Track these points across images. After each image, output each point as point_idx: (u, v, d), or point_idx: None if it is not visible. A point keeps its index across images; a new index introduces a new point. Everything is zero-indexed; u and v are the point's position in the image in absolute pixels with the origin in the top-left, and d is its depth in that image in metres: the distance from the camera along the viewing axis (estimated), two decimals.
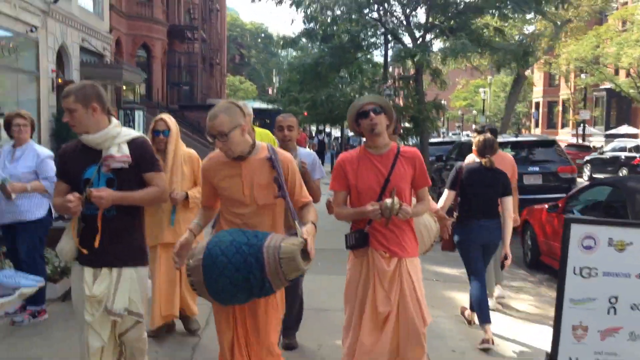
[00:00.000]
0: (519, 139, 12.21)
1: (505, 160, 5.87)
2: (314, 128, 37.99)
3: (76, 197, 2.97)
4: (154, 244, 4.51)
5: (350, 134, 29.92)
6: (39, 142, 18.30)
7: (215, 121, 3.06)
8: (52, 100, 19.57)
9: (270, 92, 56.44)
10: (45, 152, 4.92)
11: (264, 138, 5.30)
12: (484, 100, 46.75)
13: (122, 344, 3.28)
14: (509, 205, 5.08)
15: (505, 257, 5.08)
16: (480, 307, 4.97)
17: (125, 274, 3.14)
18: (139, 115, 19.26)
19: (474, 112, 54.67)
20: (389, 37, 15.18)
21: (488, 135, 5.38)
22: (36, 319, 5.03)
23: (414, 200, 3.67)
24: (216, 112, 3.09)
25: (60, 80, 20.39)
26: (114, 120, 3.19)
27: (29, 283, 3.06)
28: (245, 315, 3.23)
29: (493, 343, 4.84)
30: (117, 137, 3.12)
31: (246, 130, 3.13)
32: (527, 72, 27.27)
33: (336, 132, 38.22)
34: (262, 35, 73.80)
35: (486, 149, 5.20)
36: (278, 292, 3.22)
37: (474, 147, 5.34)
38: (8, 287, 2.92)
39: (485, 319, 4.94)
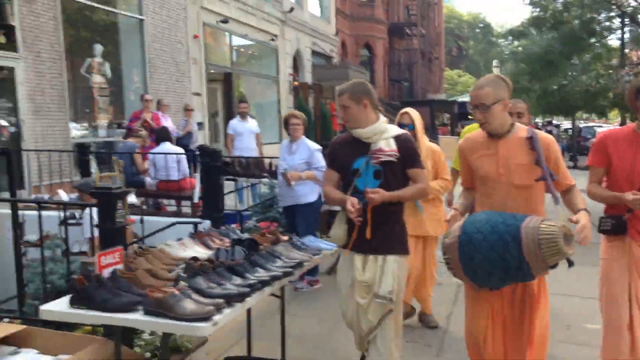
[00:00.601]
0: None
1: None
2: (538, 120, 36.10)
3: (356, 209, 3.13)
4: None
5: (582, 124, 27.95)
6: (281, 140, 20.55)
7: (480, 92, 3.04)
8: (290, 101, 21.69)
9: None
10: (315, 146, 5.81)
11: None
12: None
13: (380, 329, 3.31)
14: None
15: None
16: None
17: (390, 261, 3.25)
18: None
19: None
20: (626, 20, 14.15)
21: None
22: (313, 287, 5.98)
23: None
24: (482, 83, 3.08)
25: (296, 83, 22.49)
26: (382, 117, 3.36)
27: (328, 247, 3.74)
28: (504, 302, 3.15)
29: None
30: (385, 132, 3.27)
31: (508, 107, 3.11)
32: None
33: (566, 124, 35.89)
34: (480, 25, 72.07)
35: None
36: (540, 286, 3.13)
37: None
38: (314, 249, 3.67)
39: None
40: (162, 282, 2.77)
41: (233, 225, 6.84)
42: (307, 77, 23.61)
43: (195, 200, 7.71)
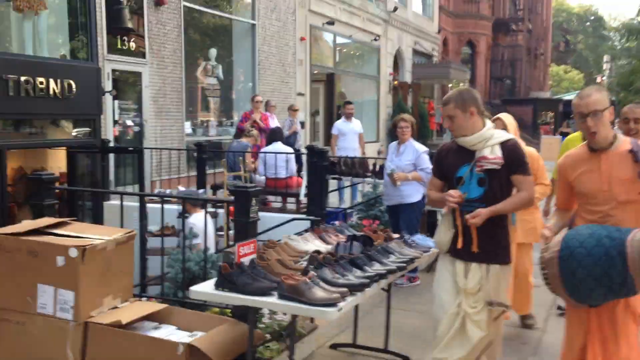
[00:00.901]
0: None
1: None
2: None
3: (458, 195, 3.17)
4: None
5: None
6: (377, 139, 20.84)
7: (590, 99, 3.02)
8: (389, 100, 21.93)
9: (599, 80, 52.31)
10: (422, 148, 6.06)
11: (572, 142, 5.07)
12: None
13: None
14: None
15: None
16: None
17: (493, 270, 3.24)
18: None
19: None
20: None
21: None
22: (411, 283, 6.24)
23: None
24: (589, 91, 3.09)
25: (395, 82, 22.68)
26: (488, 123, 3.35)
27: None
28: (602, 320, 3.08)
29: None
30: (491, 139, 3.24)
31: (613, 115, 3.10)
32: None
33: None
34: (591, 18, 68.57)
35: None
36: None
37: None
38: (424, 246, 3.93)
39: None
40: (291, 271, 3.15)
41: (337, 222, 7.25)
42: (407, 76, 23.70)
43: (302, 197, 8.16)
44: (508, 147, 3.24)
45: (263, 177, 8.52)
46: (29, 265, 3.33)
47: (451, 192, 3.20)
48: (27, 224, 3.62)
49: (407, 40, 23.26)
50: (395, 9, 21.16)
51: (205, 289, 3.17)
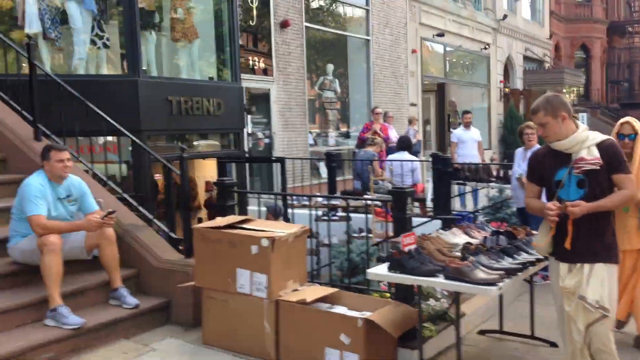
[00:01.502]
0: None
1: None
2: None
3: (556, 207, 3.16)
4: (620, 249, 3.89)
5: None
6: (490, 147, 20.81)
7: None
8: (500, 108, 21.83)
9: None
10: None
11: None
12: None
13: (589, 340, 3.26)
14: None
15: None
16: None
17: (597, 269, 3.20)
18: (581, 117, 19.79)
19: None
20: None
21: None
22: (545, 281, 6.51)
23: None
24: None
25: (507, 90, 22.54)
26: (581, 125, 3.33)
27: None
28: None
29: None
30: (586, 141, 3.24)
31: None
32: None
33: None
34: None
35: None
36: None
37: None
38: None
39: None
40: (449, 258, 3.66)
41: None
42: (518, 83, 23.47)
43: (428, 202, 8.61)
44: (605, 147, 3.24)
45: (389, 185, 9.04)
46: (229, 253, 4.07)
47: (549, 205, 3.21)
48: (220, 220, 4.37)
49: (517, 47, 23.08)
50: (505, 16, 21.14)
51: (380, 271, 3.75)
